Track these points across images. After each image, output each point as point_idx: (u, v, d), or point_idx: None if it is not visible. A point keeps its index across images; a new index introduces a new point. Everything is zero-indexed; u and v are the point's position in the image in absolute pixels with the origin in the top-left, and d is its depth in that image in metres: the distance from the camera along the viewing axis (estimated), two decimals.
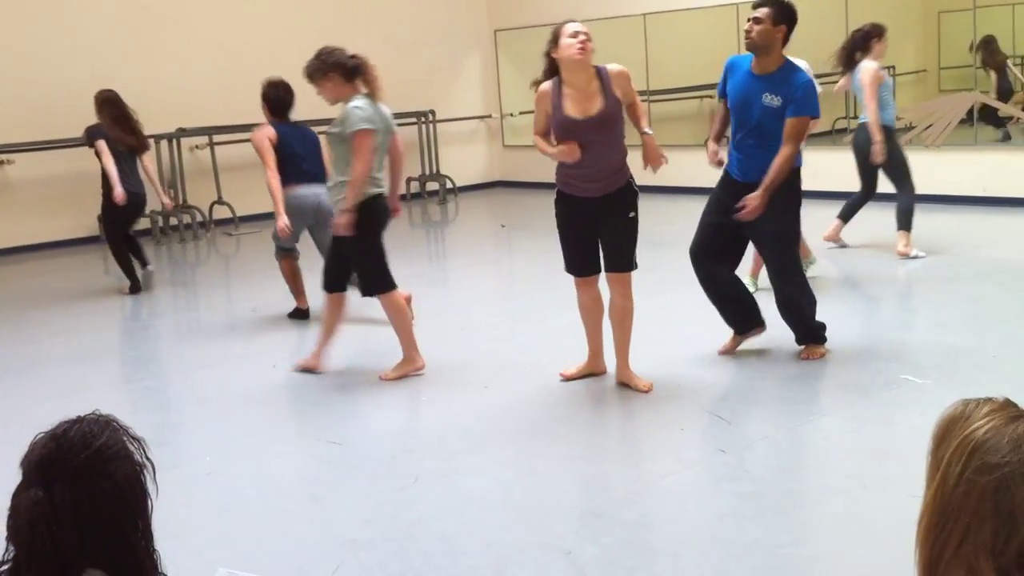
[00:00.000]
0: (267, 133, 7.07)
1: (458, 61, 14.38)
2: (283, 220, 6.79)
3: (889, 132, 7.84)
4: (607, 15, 12.76)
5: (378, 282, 5.60)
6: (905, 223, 7.96)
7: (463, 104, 14.44)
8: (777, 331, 5.67)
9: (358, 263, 5.63)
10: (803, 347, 5.61)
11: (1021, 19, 12.26)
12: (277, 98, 7.29)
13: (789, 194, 5.40)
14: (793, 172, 5.43)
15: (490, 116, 14.72)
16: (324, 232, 6.79)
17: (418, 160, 13.63)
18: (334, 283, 5.72)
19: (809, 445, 4.49)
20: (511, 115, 14.65)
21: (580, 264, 5.19)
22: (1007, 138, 10.83)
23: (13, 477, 1.69)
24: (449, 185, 13.61)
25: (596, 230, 5.07)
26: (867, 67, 7.84)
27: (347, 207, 5.36)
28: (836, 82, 8.28)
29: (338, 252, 5.61)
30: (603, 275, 5.18)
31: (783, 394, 5.19)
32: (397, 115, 14.28)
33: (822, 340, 5.64)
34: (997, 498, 1.53)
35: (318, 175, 6.99)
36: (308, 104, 7.17)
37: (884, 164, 7.87)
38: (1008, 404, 1.63)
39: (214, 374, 6.03)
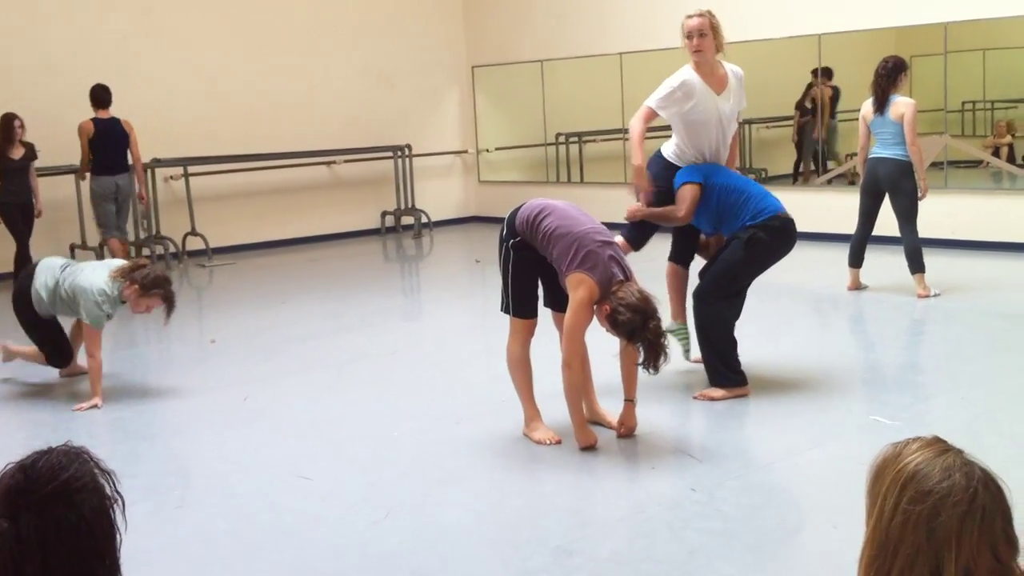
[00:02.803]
0: (86, 127, 10.05)
1: (435, 96, 14.45)
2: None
3: (909, 168, 7.86)
4: (584, 54, 12.88)
5: None
6: (920, 265, 7.94)
7: (439, 139, 14.50)
8: (746, 372, 5.69)
9: None
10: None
11: (991, 64, 12.47)
12: (95, 93, 10.10)
13: (753, 237, 5.51)
14: (772, 219, 5.54)
15: (466, 151, 14.77)
16: (124, 215, 10.34)
17: (393, 194, 13.66)
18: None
19: (780, 484, 4.50)
20: (487, 151, 14.72)
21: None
22: None
23: None
24: (424, 219, 13.64)
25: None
26: (906, 102, 7.79)
27: None
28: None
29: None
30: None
31: (754, 433, 5.21)
32: (374, 149, 14.40)
33: (723, 384, 5.57)
34: (932, 525, 1.61)
35: (119, 164, 10.14)
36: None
37: (905, 200, 7.88)
38: (936, 440, 1.73)
39: (185, 405, 5.99)
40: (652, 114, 5.73)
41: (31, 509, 1.61)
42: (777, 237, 5.56)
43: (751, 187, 5.74)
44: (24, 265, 9.84)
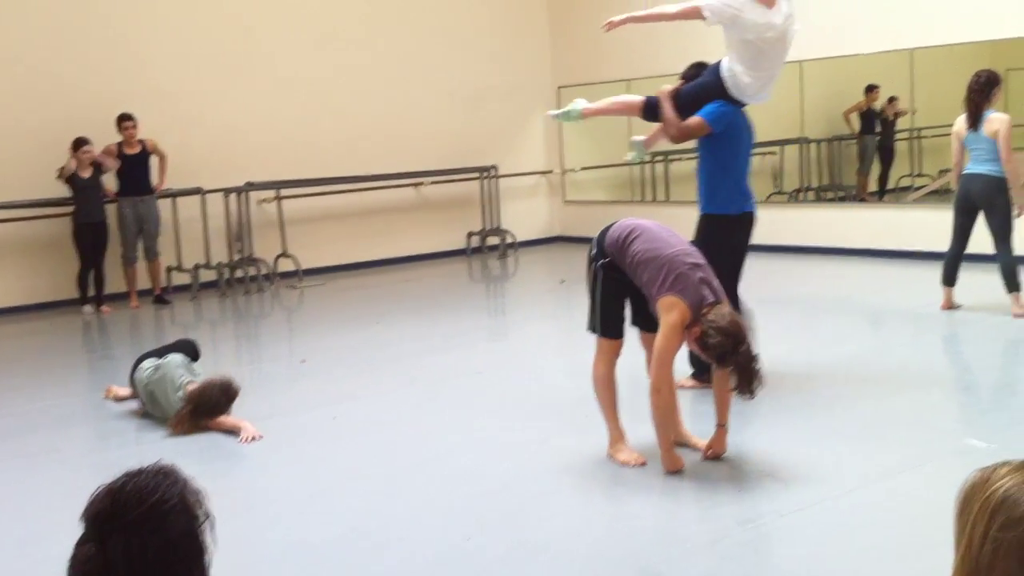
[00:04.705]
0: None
1: (521, 117, 14.52)
2: None
3: (1004, 185, 7.69)
4: (669, 72, 12.77)
5: None
6: (1016, 284, 7.74)
7: (525, 159, 14.56)
8: (815, 393, 5.59)
9: None
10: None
11: None
12: None
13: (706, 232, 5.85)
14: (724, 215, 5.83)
15: (552, 172, 14.80)
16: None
17: (479, 214, 13.74)
18: None
19: (871, 508, 4.41)
20: (573, 171, 14.72)
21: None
22: None
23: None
24: (509, 239, 13.69)
25: None
26: (1001, 117, 7.65)
27: None
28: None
29: None
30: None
31: (844, 456, 5.11)
32: (461, 170, 14.52)
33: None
34: (1023, 552, 1.53)
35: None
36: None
37: (1000, 217, 7.71)
38: None
39: (277, 424, 6.09)
40: (695, 12, 5.77)
41: (118, 533, 1.63)
42: (724, 237, 5.83)
43: (738, 180, 5.88)
44: (84, 286, 10.41)
